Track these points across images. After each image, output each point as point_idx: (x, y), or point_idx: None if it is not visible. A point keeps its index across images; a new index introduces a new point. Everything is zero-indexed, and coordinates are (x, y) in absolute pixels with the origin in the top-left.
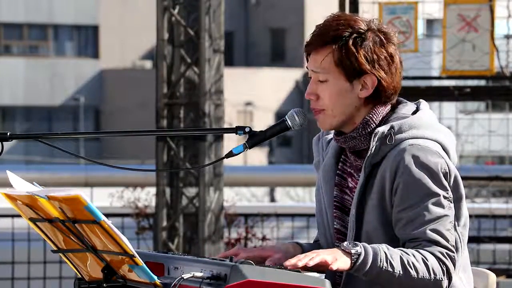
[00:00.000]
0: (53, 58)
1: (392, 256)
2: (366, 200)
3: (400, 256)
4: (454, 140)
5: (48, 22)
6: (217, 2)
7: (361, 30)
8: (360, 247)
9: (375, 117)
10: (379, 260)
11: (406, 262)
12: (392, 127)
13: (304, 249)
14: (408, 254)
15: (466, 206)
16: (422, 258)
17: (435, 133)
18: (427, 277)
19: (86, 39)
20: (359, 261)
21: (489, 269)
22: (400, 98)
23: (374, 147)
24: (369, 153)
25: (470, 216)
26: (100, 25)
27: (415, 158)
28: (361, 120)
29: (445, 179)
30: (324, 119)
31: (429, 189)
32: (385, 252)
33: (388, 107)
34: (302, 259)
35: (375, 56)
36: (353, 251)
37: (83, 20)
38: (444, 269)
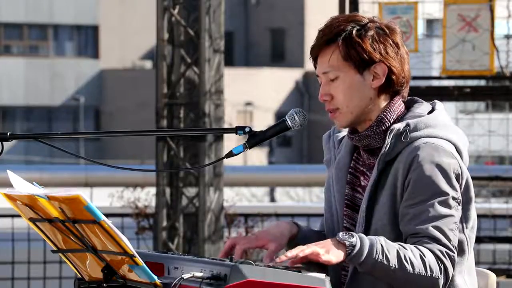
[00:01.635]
0: (53, 58)
1: (388, 249)
2: (377, 196)
3: (397, 250)
4: (467, 141)
5: (48, 22)
6: (217, 2)
7: (362, 23)
8: (356, 238)
9: (389, 115)
10: (374, 252)
11: (402, 257)
12: (408, 125)
13: (301, 230)
14: (406, 249)
15: (474, 209)
16: (419, 254)
17: (449, 133)
18: (423, 273)
19: (86, 39)
20: (354, 252)
21: (489, 269)
22: (416, 97)
23: (389, 144)
24: (383, 150)
25: None
26: (100, 25)
27: (429, 156)
28: (376, 118)
29: (457, 180)
30: (341, 117)
31: (439, 187)
32: (381, 245)
33: (402, 105)
34: (292, 252)
35: (381, 45)
36: (347, 243)
37: (83, 20)
38: (442, 267)
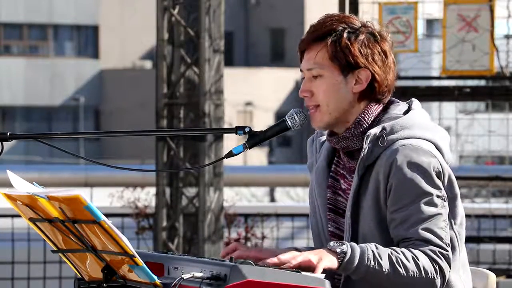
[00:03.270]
0: (53, 58)
1: (380, 255)
2: (361, 202)
3: (389, 254)
4: (448, 138)
5: (48, 22)
6: (217, 2)
7: (354, 26)
8: (346, 246)
9: (367, 116)
10: (366, 259)
11: (394, 260)
12: (384, 129)
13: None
14: (398, 253)
15: (461, 205)
16: (412, 257)
17: (427, 132)
18: (417, 275)
19: (86, 39)
20: (345, 259)
21: (489, 269)
22: (392, 98)
23: (367, 149)
24: (361, 155)
25: (470, 216)
26: (100, 25)
27: (408, 159)
28: (354, 120)
29: (438, 178)
30: (319, 116)
31: (422, 188)
32: (372, 251)
33: (381, 106)
34: (284, 258)
35: (369, 51)
36: (338, 250)
37: (83, 20)
38: (437, 267)
